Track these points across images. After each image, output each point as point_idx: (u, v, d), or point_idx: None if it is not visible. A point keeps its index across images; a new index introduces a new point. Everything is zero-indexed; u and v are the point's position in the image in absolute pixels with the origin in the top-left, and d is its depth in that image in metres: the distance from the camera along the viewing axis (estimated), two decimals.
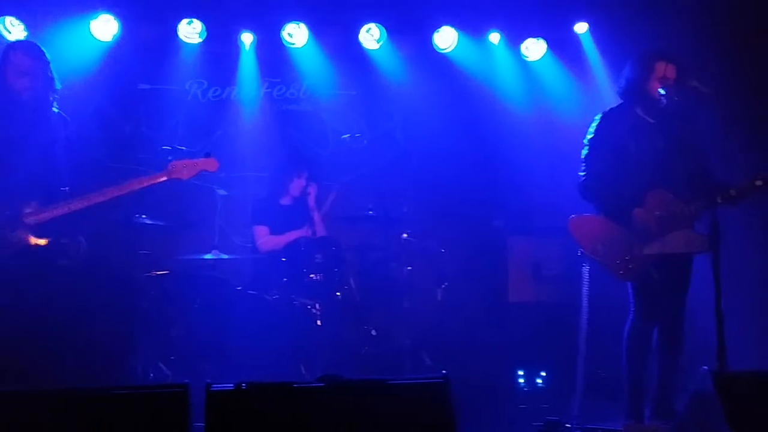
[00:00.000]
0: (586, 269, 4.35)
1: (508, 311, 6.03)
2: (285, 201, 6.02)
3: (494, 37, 6.61)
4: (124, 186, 4.07)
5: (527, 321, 5.80)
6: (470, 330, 5.88)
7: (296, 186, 5.98)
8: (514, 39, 6.67)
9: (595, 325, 4.51)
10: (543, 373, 5.69)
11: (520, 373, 5.72)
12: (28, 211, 3.89)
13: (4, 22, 5.89)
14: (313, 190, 5.85)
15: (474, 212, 6.51)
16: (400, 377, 2.89)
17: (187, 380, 2.74)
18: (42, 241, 3.87)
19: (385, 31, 6.50)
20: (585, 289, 4.37)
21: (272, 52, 6.57)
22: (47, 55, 4.14)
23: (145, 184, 4.08)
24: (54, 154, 4.05)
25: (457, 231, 6.49)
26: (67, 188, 4.02)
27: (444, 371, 2.97)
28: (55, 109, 4.20)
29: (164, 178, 4.13)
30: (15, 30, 5.92)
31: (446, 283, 6.20)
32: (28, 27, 5.90)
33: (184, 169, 4.15)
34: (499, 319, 5.90)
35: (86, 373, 3.98)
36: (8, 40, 5.89)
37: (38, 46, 4.18)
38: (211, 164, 4.28)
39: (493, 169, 6.59)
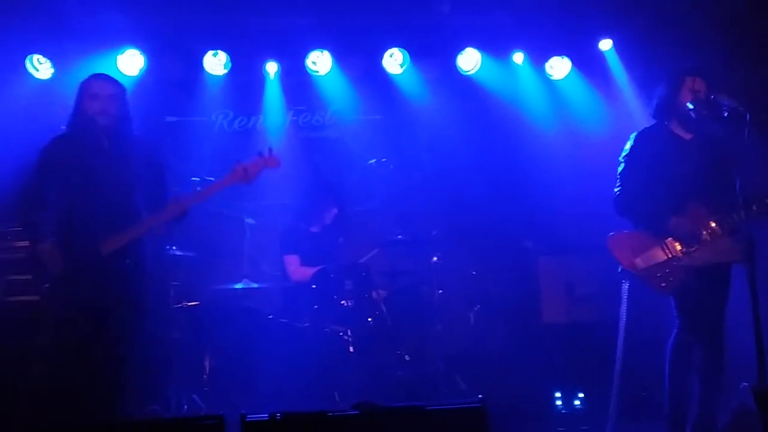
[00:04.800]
0: (625, 286, 4.30)
1: (542, 332, 5.95)
2: (315, 229, 6.03)
3: (518, 57, 6.58)
4: (195, 195, 4.19)
5: (562, 342, 5.73)
6: (504, 352, 5.80)
7: (330, 215, 6.03)
8: (538, 58, 6.64)
9: (633, 343, 4.43)
10: (581, 395, 5.58)
11: (558, 395, 5.62)
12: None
13: (31, 59, 6.00)
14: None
15: (503, 233, 6.45)
16: (436, 403, 2.84)
17: (220, 411, 2.72)
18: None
19: (408, 55, 6.52)
20: (623, 306, 4.31)
21: (297, 80, 6.61)
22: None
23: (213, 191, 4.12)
24: (131, 180, 4.02)
25: (487, 252, 6.43)
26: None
27: (480, 395, 2.92)
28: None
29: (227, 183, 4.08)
30: (42, 67, 6.02)
31: (478, 306, 6.14)
32: (54, 64, 6.00)
33: (245, 171, 4.05)
34: (533, 340, 5.81)
35: (120, 405, 3.95)
36: (36, 78, 6.01)
37: (111, 76, 4.20)
38: (272, 161, 4.14)
39: (521, 189, 6.54)
